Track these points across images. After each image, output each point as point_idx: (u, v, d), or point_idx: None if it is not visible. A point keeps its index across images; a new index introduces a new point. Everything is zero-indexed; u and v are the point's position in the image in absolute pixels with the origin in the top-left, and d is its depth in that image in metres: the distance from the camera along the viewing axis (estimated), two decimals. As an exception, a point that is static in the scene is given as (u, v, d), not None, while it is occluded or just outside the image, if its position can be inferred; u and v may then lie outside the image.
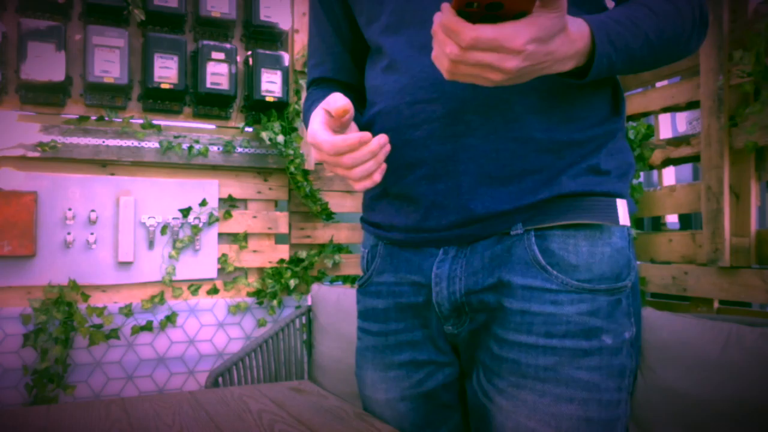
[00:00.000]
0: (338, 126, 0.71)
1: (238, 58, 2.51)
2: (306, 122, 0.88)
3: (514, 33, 0.57)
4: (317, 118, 0.72)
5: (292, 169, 2.51)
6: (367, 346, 0.89)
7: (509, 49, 0.57)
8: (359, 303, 0.91)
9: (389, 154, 0.76)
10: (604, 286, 0.73)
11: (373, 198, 0.88)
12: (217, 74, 2.40)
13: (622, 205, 0.77)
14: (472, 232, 0.76)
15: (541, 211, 0.74)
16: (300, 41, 2.63)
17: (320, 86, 0.96)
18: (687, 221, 2.96)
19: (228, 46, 2.43)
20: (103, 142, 2.29)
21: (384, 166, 0.71)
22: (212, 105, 2.46)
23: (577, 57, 0.65)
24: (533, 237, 0.74)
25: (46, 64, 2.16)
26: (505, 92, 0.72)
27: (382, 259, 0.87)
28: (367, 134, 0.68)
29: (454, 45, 0.57)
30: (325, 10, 0.94)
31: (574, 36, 0.63)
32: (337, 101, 0.69)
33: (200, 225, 2.42)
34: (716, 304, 2.13)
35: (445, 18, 0.56)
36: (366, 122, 0.86)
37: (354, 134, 0.68)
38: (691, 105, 2.28)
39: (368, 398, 0.89)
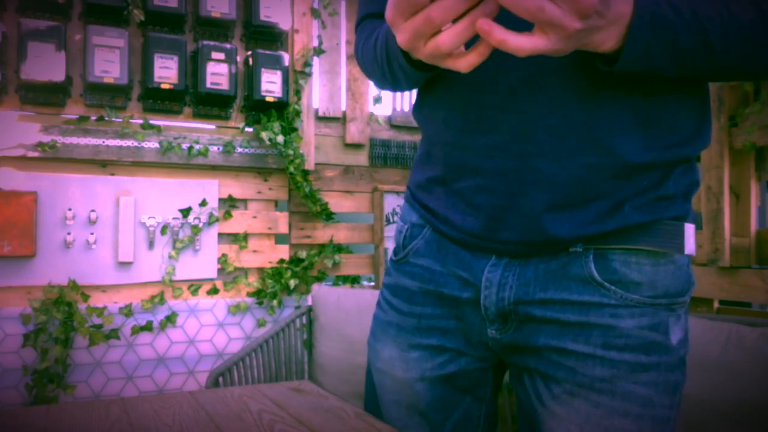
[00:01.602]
0: None
1: (238, 58, 2.51)
2: (369, 53, 0.79)
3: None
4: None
5: (291, 169, 2.51)
6: (390, 322, 0.87)
7: (584, 3, 0.50)
8: (390, 275, 0.88)
9: (453, 151, 0.75)
10: (665, 301, 0.72)
11: (431, 180, 0.82)
12: (217, 74, 2.40)
13: (689, 230, 0.72)
14: (529, 250, 0.74)
15: (603, 236, 0.71)
16: (300, 41, 2.63)
17: (375, 20, 0.85)
18: (687, 221, 2.96)
19: (228, 46, 2.43)
20: (103, 142, 2.29)
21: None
22: (212, 105, 2.46)
23: (620, 26, 0.57)
24: (591, 256, 0.71)
25: (46, 64, 2.16)
26: (585, 110, 0.67)
27: (427, 243, 0.83)
28: None
29: None
30: None
31: (619, 0, 0.56)
32: None
33: (200, 225, 2.42)
34: (716, 304, 2.13)
35: None
36: (431, 92, 0.80)
37: None
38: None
39: (381, 371, 0.87)
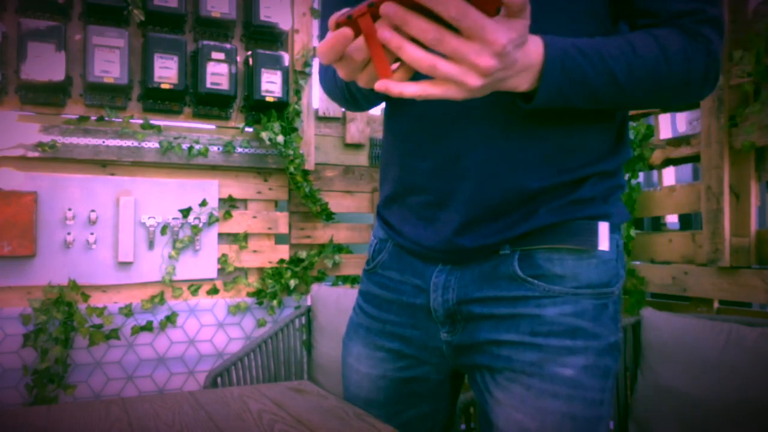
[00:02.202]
0: None
1: (238, 58, 2.51)
2: (329, 78, 0.87)
3: (498, 27, 0.54)
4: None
5: (291, 169, 2.51)
6: (361, 324, 0.96)
7: (491, 42, 0.54)
8: (363, 283, 0.98)
9: (404, 171, 0.85)
10: (589, 291, 0.78)
11: (389, 197, 0.92)
12: (217, 74, 2.40)
13: (603, 228, 0.79)
14: (462, 257, 0.83)
15: (523, 237, 0.79)
16: (300, 41, 2.63)
17: None
18: (687, 221, 2.96)
19: (228, 46, 2.43)
20: (103, 142, 2.29)
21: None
22: (212, 105, 2.46)
23: (532, 72, 0.64)
24: (517, 256, 0.80)
25: (46, 64, 2.16)
26: (502, 145, 0.76)
27: (390, 255, 0.92)
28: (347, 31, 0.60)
29: (431, 26, 0.53)
30: None
31: (530, 48, 0.62)
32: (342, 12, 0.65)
33: (200, 225, 2.42)
34: (716, 305, 2.13)
35: None
36: (391, 117, 0.90)
37: (337, 32, 0.60)
38: (691, 105, 2.28)
39: (350, 366, 0.97)
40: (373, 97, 0.81)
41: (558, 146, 0.77)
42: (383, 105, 0.95)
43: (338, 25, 0.60)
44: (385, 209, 0.93)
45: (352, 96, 0.84)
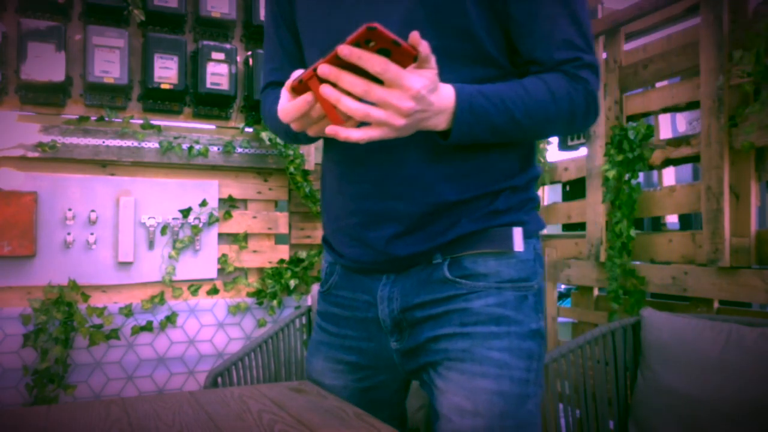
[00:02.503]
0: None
1: (238, 58, 2.51)
2: (273, 116, 0.98)
3: (410, 76, 0.69)
4: (283, 92, 0.81)
5: (291, 169, 2.51)
6: (322, 341, 1.06)
7: (408, 88, 0.69)
8: (320, 304, 1.08)
9: (337, 198, 0.98)
10: (510, 285, 0.91)
11: (330, 223, 1.02)
12: (217, 74, 2.40)
13: (517, 233, 0.92)
14: (400, 265, 0.93)
15: (451, 246, 0.91)
16: (300, 41, 2.63)
17: (278, 88, 1.06)
18: (687, 221, 2.96)
19: (228, 46, 2.43)
20: (103, 142, 2.29)
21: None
22: (212, 105, 2.46)
23: (447, 114, 0.79)
24: (447, 263, 0.91)
25: (46, 64, 2.16)
26: (421, 166, 0.89)
27: (339, 277, 1.03)
28: (303, 100, 0.76)
29: (358, 79, 0.69)
30: (285, 20, 1.05)
31: (444, 94, 0.77)
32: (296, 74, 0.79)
33: (200, 225, 2.42)
34: (716, 305, 2.13)
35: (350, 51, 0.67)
36: (325, 152, 1.04)
37: (299, 98, 0.76)
38: (691, 105, 2.28)
39: (315, 381, 1.07)
40: (315, 137, 0.90)
41: (473, 166, 0.90)
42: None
43: (293, 90, 0.76)
44: (329, 235, 1.03)
45: (295, 135, 0.96)
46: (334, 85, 0.70)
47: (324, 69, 0.69)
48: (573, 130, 0.92)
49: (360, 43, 0.67)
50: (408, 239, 0.91)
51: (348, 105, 0.69)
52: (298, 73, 0.77)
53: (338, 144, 0.91)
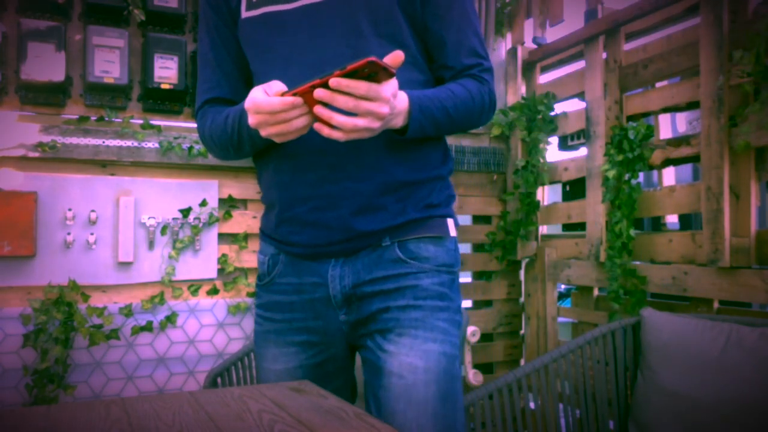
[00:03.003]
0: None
1: (238, 59, 2.51)
2: (218, 127, 1.11)
3: (384, 89, 0.88)
4: (255, 92, 0.94)
5: (292, 169, 2.51)
6: (269, 330, 1.17)
7: (384, 99, 0.89)
8: (260, 297, 1.19)
9: (287, 189, 1.10)
10: (444, 269, 1.12)
11: (277, 221, 1.14)
12: (217, 74, 2.40)
13: (450, 223, 1.15)
14: (354, 245, 1.08)
15: (399, 230, 1.09)
16: (300, 41, 2.63)
17: (216, 105, 1.17)
18: (687, 221, 2.96)
19: (228, 46, 2.43)
20: (103, 142, 2.29)
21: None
22: (212, 105, 2.46)
23: (404, 114, 0.99)
24: (396, 245, 1.09)
25: (46, 64, 2.16)
26: (377, 152, 1.05)
27: (285, 266, 1.14)
28: (298, 99, 0.90)
29: (350, 99, 0.87)
30: (222, 40, 1.17)
31: (401, 98, 0.97)
32: (280, 86, 0.94)
33: (200, 225, 2.42)
34: (716, 305, 2.13)
35: (340, 81, 0.85)
36: (263, 157, 1.15)
37: (291, 98, 0.90)
38: (691, 105, 2.28)
39: (267, 370, 1.17)
40: (261, 143, 1.07)
41: (416, 154, 1.10)
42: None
43: (284, 95, 0.91)
44: (274, 230, 1.15)
45: (240, 141, 1.08)
46: (325, 104, 0.89)
47: (320, 92, 0.87)
48: (479, 124, 1.16)
49: (357, 70, 0.84)
50: (366, 217, 1.07)
51: (340, 120, 0.89)
52: (279, 87, 0.94)
53: (293, 140, 1.02)
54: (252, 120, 0.94)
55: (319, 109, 0.90)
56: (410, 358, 1.05)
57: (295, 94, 0.90)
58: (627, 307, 2.39)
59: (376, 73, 0.87)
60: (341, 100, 0.87)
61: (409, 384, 1.03)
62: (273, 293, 1.16)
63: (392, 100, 0.91)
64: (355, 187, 1.06)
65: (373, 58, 0.83)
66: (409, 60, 1.06)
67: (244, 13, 1.12)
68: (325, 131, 0.91)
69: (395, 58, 0.87)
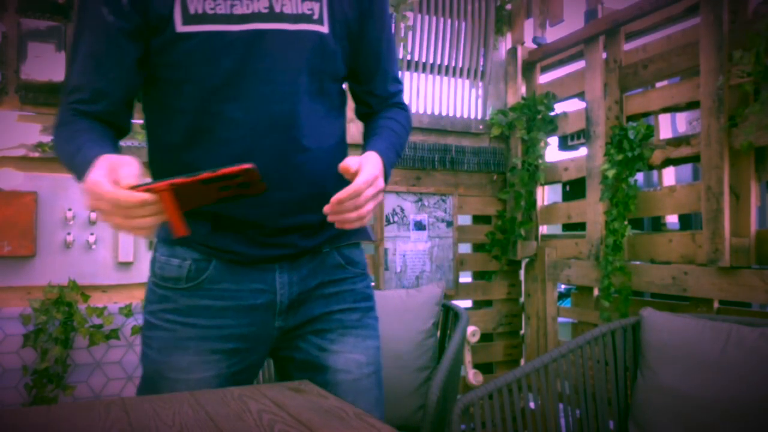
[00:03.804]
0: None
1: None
2: (64, 155, 1.01)
3: (363, 186, 0.98)
4: (101, 171, 0.85)
5: (292, 169, 2.51)
6: (190, 337, 1.10)
7: (379, 185, 1.02)
8: (177, 301, 1.11)
9: (231, 207, 1.04)
10: (365, 272, 1.22)
11: (209, 230, 1.10)
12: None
13: (370, 229, 1.22)
14: (297, 255, 1.12)
15: (335, 239, 1.16)
16: (300, 41, 2.63)
17: (79, 118, 1.04)
18: (687, 221, 2.96)
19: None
20: (103, 142, 2.29)
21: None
22: (212, 105, 2.46)
23: (380, 168, 1.07)
24: (335, 251, 1.17)
25: (46, 64, 2.16)
26: (323, 178, 1.10)
27: (219, 271, 1.10)
28: (152, 197, 0.82)
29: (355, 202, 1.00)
30: (117, 45, 1.03)
31: (378, 165, 1.04)
32: (133, 173, 0.86)
33: (200, 225, 2.42)
34: (716, 305, 2.13)
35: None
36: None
37: (143, 195, 0.82)
38: (691, 105, 2.28)
39: (175, 380, 1.08)
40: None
41: (340, 178, 1.11)
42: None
43: (135, 188, 0.82)
44: (203, 238, 1.10)
45: (74, 169, 0.97)
46: (185, 198, 0.84)
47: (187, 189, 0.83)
48: None
49: (230, 176, 0.82)
50: (309, 237, 1.13)
51: (354, 220, 1.00)
52: (132, 174, 0.84)
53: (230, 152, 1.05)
54: (90, 204, 0.85)
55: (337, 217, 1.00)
56: (354, 354, 1.15)
57: (148, 190, 0.81)
58: (617, 305, 2.39)
59: (248, 184, 0.86)
60: (349, 206, 0.98)
61: (356, 378, 1.15)
62: (200, 298, 1.10)
63: (379, 177, 1.02)
64: (304, 217, 1.11)
65: (250, 167, 0.81)
66: (338, 90, 1.21)
67: (181, 27, 1.02)
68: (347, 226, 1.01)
69: (342, 169, 1.00)
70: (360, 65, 1.20)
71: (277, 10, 1.05)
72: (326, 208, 0.97)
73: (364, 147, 1.16)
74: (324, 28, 1.08)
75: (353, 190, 0.96)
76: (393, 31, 1.25)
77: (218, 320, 1.10)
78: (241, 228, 1.09)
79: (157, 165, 1.13)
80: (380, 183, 1.01)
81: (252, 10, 1.03)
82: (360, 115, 1.32)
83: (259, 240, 1.10)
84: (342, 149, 1.20)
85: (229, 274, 1.10)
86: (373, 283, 2.81)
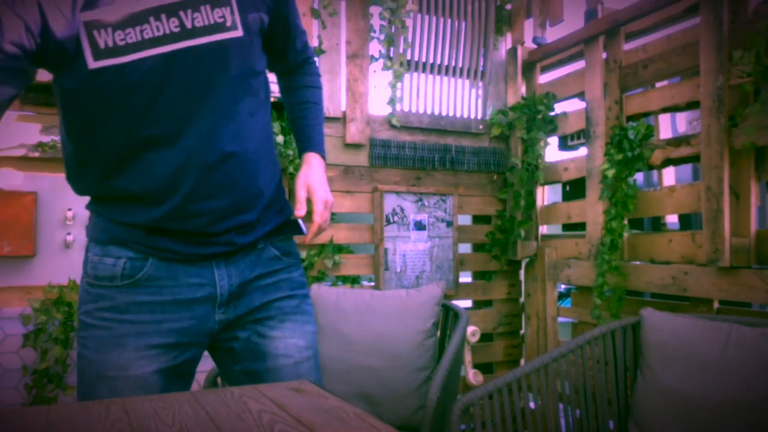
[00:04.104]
0: None
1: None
2: None
3: (320, 196, 1.25)
4: None
5: (291, 169, 2.51)
6: (126, 334, 1.09)
7: (330, 203, 1.26)
8: (114, 299, 1.10)
9: (164, 202, 1.08)
10: (299, 262, 1.28)
11: (145, 231, 1.11)
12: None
13: (301, 222, 1.27)
14: (232, 252, 1.16)
15: (270, 235, 1.21)
16: (300, 41, 2.63)
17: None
18: (687, 221, 2.96)
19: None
20: (103, 142, 2.29)
21: None
22: (212, 105, 2.46)
23: (322, 165, 1.32)
24: (270, 245, 1.21)
25: (46, 64, 2.15)
26: (261, 179, 1.17)
27: (156, 269, 1.11)
28: None
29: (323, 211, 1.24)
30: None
31: (321, 176, 1.30)
32: None
33: (200, 225, 2.42)
34: (716, 305, 2.13)
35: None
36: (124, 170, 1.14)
37: None
38: (691, 105, 2.28)
39: (114, 378, 1.08)
40: None
41: (269, 168, 1.22)
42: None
43: None
44: (140, 238, 1.11)
45: None
46: None
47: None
48: None
49: None
50: (245, 234, 1.16)
51: (320, 216, 1.24)
52: None
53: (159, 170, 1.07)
54: None
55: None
56: (295, 339, 1.20)
57: None
58: (609, 304, 2.39)
59: None
60: (322, 215, 1.24)
61: (296, 361, 1.20)
62: (137, 294, 1.10)
63: (329, 198, 1.27)
64: (238, 216, 1.14)
65: None
66: (257, 85, 1.20)
67: (93, 64, 0.99)
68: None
69: (296, 213, 1.20)
70: (274, 43, 1.24)
71: (189, 26, 1.03)
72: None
73: (296, 132, 1.35)
74: (238, 32, 1.08)
75: (316, 228, 1.23)
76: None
77: (157, 315, 1.10)
78: (177, 235, 1.11)
79: (87, 187, 1.14)
80: (330, 200, 1.26)
81: (163, 31, 1.02)
82: (273, 68, 1.35)
83: (196, 240, 1.12)
84: (269, 140, 1.23)
85: (166, 271, 1.12)
86: (373, 283, 2.82)
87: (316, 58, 1.37)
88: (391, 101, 2.83)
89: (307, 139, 1.32)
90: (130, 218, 1.11)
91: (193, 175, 1.05)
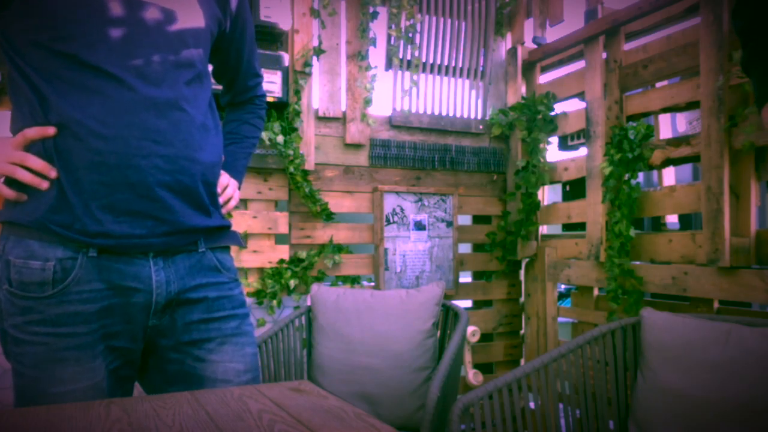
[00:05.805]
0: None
1: (238, 58, 2.51)
2: None
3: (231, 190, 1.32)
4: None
5: (291, 169, 2.51)
6: (66, 347, 1.02)
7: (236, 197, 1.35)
8: (44, 312, 1.01)
9: (105, 173, 1.01)
10: (238, 279, 1.23)
11: (79, 214, 1.01)
12: (217, 74, 2.40)
13: (240, 236, 1.27)
14: (174, 241, 1.09)
15: (211, 235, 1.17)
16: (300, 41, 2.63)
17: None
18: (687, 221, 2.96)
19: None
20: (103, 142, 2.29)
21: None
22: (212, 105, 2.46)
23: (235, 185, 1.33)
24: (211, 253, 1.17)
25: (46, 64, 2.15)
26: (186, 170, 1.09)
27: (85, 270, 1.03)
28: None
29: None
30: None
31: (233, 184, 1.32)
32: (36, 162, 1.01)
33: (200, 225, 2.42)
34: (716, 305, 2.13)
35: None
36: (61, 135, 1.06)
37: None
38: (691, 105, 2.28)
39: (62, 394, 1.01)
40: None
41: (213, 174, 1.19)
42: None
43: None
44: (70, 225, 1.01)
45: None
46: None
47: None
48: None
49: None
50: (191, 210, 1.10)
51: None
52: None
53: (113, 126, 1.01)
54: None
55: None
56: (234, 363, 1.15)
57: None
58: (626, 307, 2.39)
59: None
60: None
61: (236, 386, 1.14)
62: (69, 304, 1.02)
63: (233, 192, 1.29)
64: (183, 180, 1.08)
65: None
66: (206, 93, 1.18)
67: None
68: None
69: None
70: (229, 69, 1.34)
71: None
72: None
73: (226, 159, 1.32)
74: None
75: (224, 194, 1.27)
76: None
77: (93, 324, 1.04)
78: (118, 207, 1.05)
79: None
80: (239, 192, 1.33)
81: None
82: (223, 99, 1.41)
83: (137, 221, 1.05)
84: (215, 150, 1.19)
85: (96, 273, 1.03)
86: (373, 283, 2.82)
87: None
88: (368, 101, 2.83)
89: (230, 165, 1.34)
90: (86, 157, 1.02)
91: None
